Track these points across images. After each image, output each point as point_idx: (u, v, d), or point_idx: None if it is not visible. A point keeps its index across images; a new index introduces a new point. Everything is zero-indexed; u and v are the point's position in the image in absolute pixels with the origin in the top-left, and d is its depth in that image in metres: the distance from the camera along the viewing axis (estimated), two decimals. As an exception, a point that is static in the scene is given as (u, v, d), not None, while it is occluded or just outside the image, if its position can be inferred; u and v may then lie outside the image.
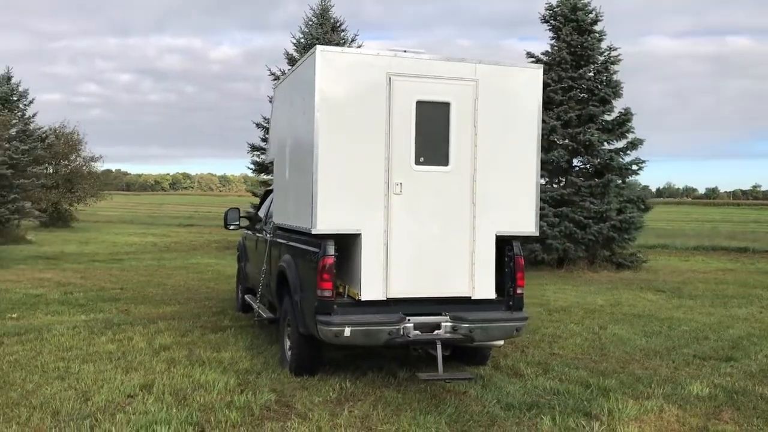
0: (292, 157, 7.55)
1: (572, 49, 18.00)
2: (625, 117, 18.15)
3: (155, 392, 6.53)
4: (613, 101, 18.24)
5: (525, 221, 7.07)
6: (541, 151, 16.47)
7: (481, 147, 6.85)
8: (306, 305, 6.84)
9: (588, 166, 18.46)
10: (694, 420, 6.11)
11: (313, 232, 6.50)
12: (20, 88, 27.03)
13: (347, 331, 6.39)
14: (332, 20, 21.52)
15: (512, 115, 7.00)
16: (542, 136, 16.70)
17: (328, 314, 6.50)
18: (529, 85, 7.04)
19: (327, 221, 6.49)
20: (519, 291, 7.03)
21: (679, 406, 6.46)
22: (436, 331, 6.68)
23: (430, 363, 7.15)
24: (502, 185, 6.96)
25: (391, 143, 6.60)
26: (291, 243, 7.61)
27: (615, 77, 18.32)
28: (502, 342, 7.44)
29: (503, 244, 7.09)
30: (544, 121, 17.19)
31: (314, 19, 21.52)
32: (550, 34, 18.72)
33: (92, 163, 37.04)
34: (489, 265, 6.92)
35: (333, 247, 6.53)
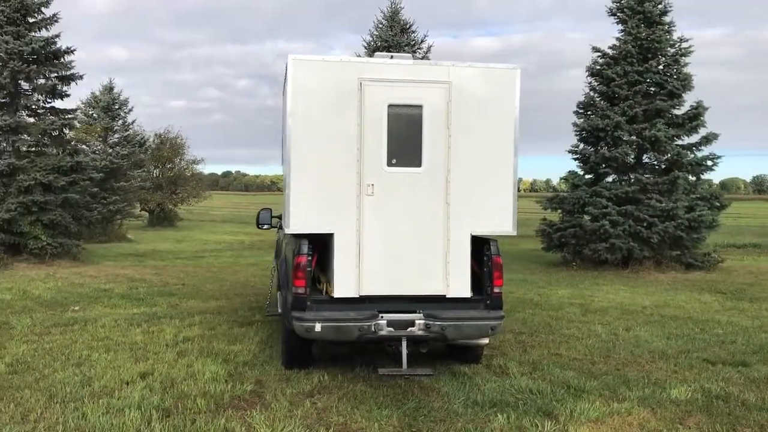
0: (283, 161, 7.94)
1: (639, 42, 17.40)
2: (697, 111, 17.37)
3: (149, 380, 7.09)
4: (683, 95, 17.50)
5: (502, 221, 7.12)
6: (606, 148, 16.29)
7: (456, 148, 6.96)
8: (289, 301, 7.20)
9: (656, 162, 17.78)
10: (657, 424, 6.00)
11: (287, 232, 6.87)
12: (121, 97, 29.05)
13: (318, 327, 6.70)
14: (402, 22, 21.81)
15: (488, 116, 7.06)
16: (607, 132, 16.51)
17: (302, 310, 6.83)
18: (505, 86, 7.08)
19: (300, 222, 6.83)
20: (496, 290, 7.08)
21: (651, 409, 6.34)
22: (409, 329, 6.86)
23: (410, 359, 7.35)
24: (478, 186, 7.04)
25: (363, 146, 6.85)
26: (285, 242, 8.01)
27: (685, 70, 17.56)
28: (486, 341, 7.50)
29: (483, 244, 7.17)
30: (608, 117, 16.85)
31: (384, 21, 21.89)
32: (620, 27, 18.16)
33: (194, 166, 39.11)
34: (464, 265, 7.03)
35: (307, 246, 6.85)
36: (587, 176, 18.23)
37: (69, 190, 18.37)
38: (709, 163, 17.67)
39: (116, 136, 28.94)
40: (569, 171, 18.57)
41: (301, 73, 6.79)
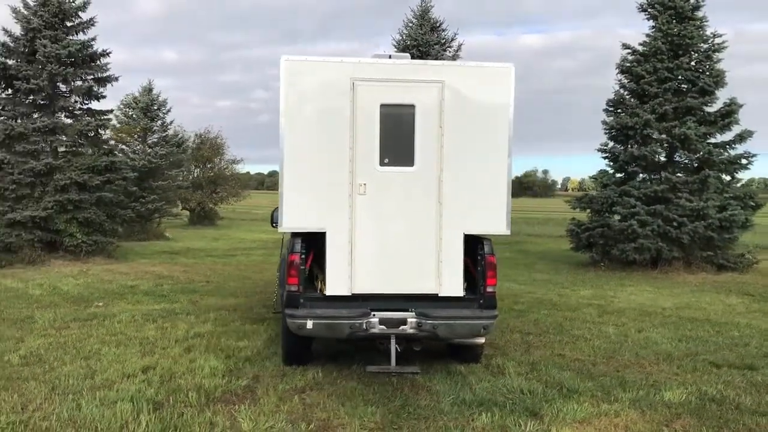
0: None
1: (669, 38, 17.04)
2: (730, 108, 16.95)
3: (149, 374, 7.29)
4: (715, 92, 17.08)
5: (495, 221, 7.10)
6: (635, 146, 16.03)
7: (448, 147, 6.98)
8: (283, 298, 7.31)
9: (686, 161, 17.40)
10: (644, 426, 5.93)
11: (278, 230, 6.99)
12: (160, 98, 29.68)
13: (309, 324, 6.79)
14: (431, 21, 21.79)
15: (481, 115, 7.05)
16: (636, 130, 16.24)
17: (295, 307, 6.94)
18: (498, 84, 7.06)
19: (292, 220, 6.94)
20: (489, 290, 7.07)
21: (641, 411, 6.26)
22: (401, 327, 6.90)
23: (400, 357, 7.40)
24: (471, 185, 7.04)
25: (355, 145, 6.91)
26: (285, 241, 8.13)
27: (718, 66, 17.14)
28: (482, 340, 7.49)
29: (476, 243, 7.17)
30: (637, 115, 16.57)
31: (414, 20, 21.91)
32: (651, 23, 17.82)
33: (233, 165, 39.69)
34: (456, 264, 7.04)
35: (300, 245, 6.95)
36: (618, 175, 17.94)
37: (103, 188, 18.87)
38: (744, 161, 17.21)
39: (155, 136, 29.59)
40: (599, 170, 18.33)
41: (293, 73, 6.89)
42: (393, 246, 6.99)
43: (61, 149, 19.13)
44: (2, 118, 18.43)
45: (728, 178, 17.62)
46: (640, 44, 17.68)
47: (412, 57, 20.94)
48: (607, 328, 9.96)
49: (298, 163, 6.92)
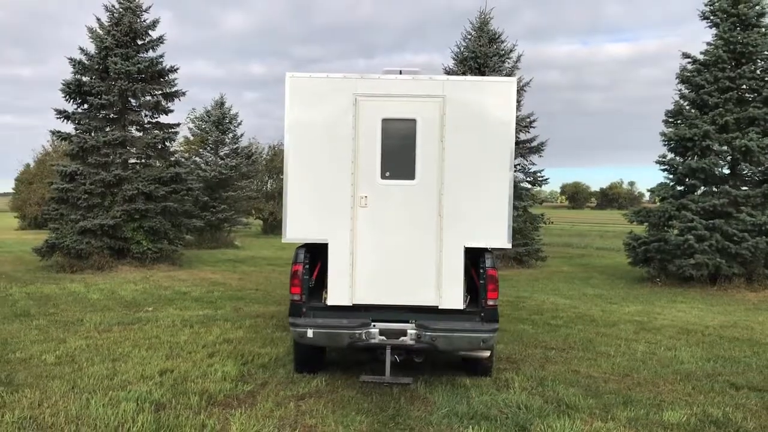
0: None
1: (731, 47, 16.42)
2: (798, 118, 16.14)
3: (165, 376, 7.65)
4: (782, 101, 16.32)
5: (496, 234, 7.10)
6: (694, 158, 15.52)
7: (450, 161, 7.05)
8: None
9: (749, 174, 16.68)
10: (632, 446, 5.80)
11: (282, 241, 7.23)
12: (231, 112, 30.72)
13: (310, 333, 6.99)
14: (490, 33, 21.73)
15: (483, 129, 7.09)
16: (694, 141, 15.73)
17: (298, 316, 7.15)
18: (500, 98, 7.08)
19: (295, 231, 7.17)
20: (491, 303, 7.07)
21: (635, 430, 6.12)
22: (401, 338, 7.00)
23: (403, 367, 7.50)
24: (472, 198, 7.08)
25: (357, 159, 7.08)
26: None
27: (786, 74, 16.39)
28: (487, 353, 7.48)
29: (477, 256, 7.20)
30: (696, 126, 16.06)
31: (472, 32, 21.91)
32: (713, 31, 17.22)
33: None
34: (457, 276, 7.08)
35: (303, 255, 7.17)
36: (678, 188, 17.38)
37: (169, 199, 19.71)
38: (814, 174, 16.35)
39: (226, 148, 30.63)
40: (658, 183, 17.81)
41: (298, 90, 7.13)
42: (394, 258, 7.11)
43: (132, 161, 20.13)
44: (77, 131, 19.55)
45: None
46: (702, 53, 17.10)
47: (471, 69, 21.02)
48: (637, 346, 9.71)
49: (302, 176, 7.14)
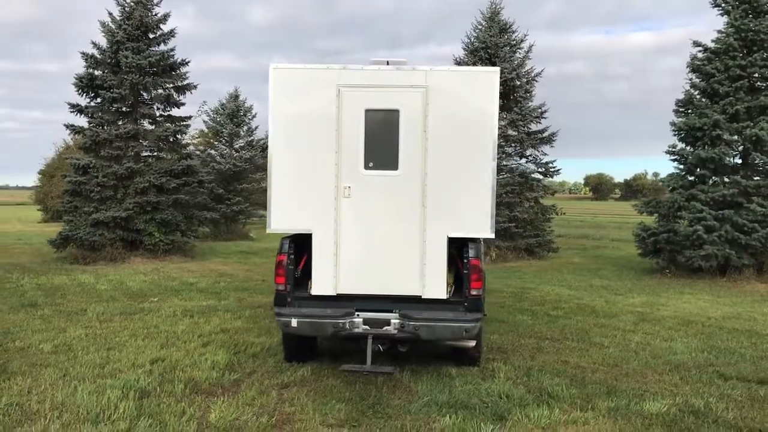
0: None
1: (742, 34, 16.16)
2: (811, 106, 15.86)
3: (156, 365, 7.77)
4: (795, 89, 16.05)
5: (479, 224, 7.10)
6: (704, 148, 15.34)
7: (433, 151, 7.05)
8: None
9: (760, 164, 16.43)
10: (608, 435, 5.79)
11: (267, 231, 7.29)
12: (246, 104, 30.89)
13: (294, 322, 7.06)
14: (501, 23, 21.58)
15: (465, 120, 7.08)
16: (704, 131, 15.53)
17: (283, 306, 7.23)
18: (483, 89, 7.06)
19: (279, 221, 7.23)
20: (474, 293, 7.08)
21: (613, 420, 6.12)
22: (385, 328, 7.05)
23: (389, 357, 7.55)
24: (455, 188, 7.08)
25: (340, 150, 7.12)
26: None
27: (799, 62, 16.09)
28: (472, 343, 7.49)
29: (461, 246, 7.21)
30: (706, 115, 15.87)
31: (483, 23, 21.78)
32: (725, 19, 16.95)
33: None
34: (440, 266, 7.09)
35: (288, 245, 7.23)
36: (689, 178, 17.17)
37: (180, 191, 19.91)
38: (827, 164, 16.08)
39: (241, 141, 30.80)
40: (668, 173, 17.63)
41: (282, 81, 7.18)
42: (377, 248, 7.14)
43: (144, 154, 20.35)
44: (91, 125, 19.79)
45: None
46: (713, 41, 16.85)
47: (481, 59, 20.92)
48: (633, 336, 9.66)
49: (286, 167, 7.19)
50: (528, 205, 21.21)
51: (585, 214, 63.83)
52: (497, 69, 7.16)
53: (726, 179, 16.47)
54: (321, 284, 7.18)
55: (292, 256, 7.30)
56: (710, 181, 16.71)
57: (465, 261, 7.14)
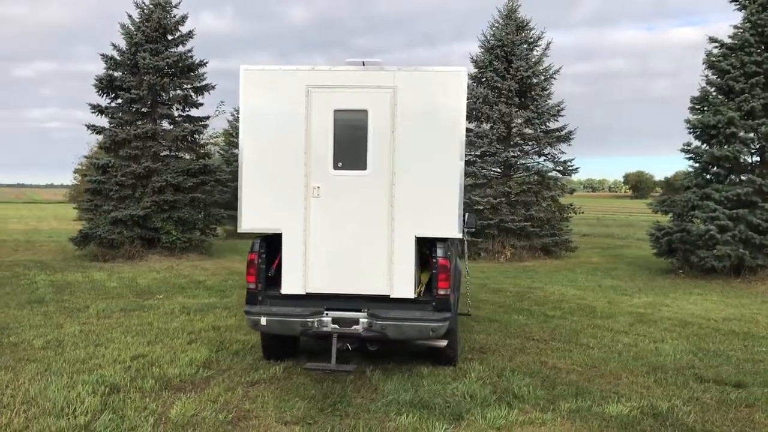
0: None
1: (759, 29, 15.77)
2: (831, 103, 15.40)
3: (136, 361, 7.92)
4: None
5: (447, 224, 7.09)
6: (718, 146, 15.04)
7: (401, 152, 7.07)
8: None
9: (776, 161, 16.02)
10: (562, 437, 5.75)
11: (238, 231, 7.40)
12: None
13: (263, 321, 7.15)
14: (517, 20, 21.41)
15: (433, 120, 7.07)
16: (719, 129, 15.23)
17: (254, 304, 7.32)
18: (450, 88, 7.05)
19: (250, 221, 7.32)
20: (441, 292, 7.07)
21: (571, 422, 6.07)
22: (354, 327, 7.09)
23: (366, 357, 7.59)
24: (423, 188, 7.08)
25: (309, 150, 7.18)
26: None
27: (819, 57, 15.63)
28: (444, 343, 7.48)
29: (430, 246, 7.21)
30: (720, 113, 15.57)
31: (500, 20, 21.63)
32: (741, 14, 16.56)
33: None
34: (408, 266, 7.11)
35: (259, 244, 7.32)
36: (705, 176, 16.82)
37: (197, 190, 20.20)
38: None
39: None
40: (683, 172, 17.30)
41: (252, 82, 7.26)
42: (346, 247, 7.18)
43: (163, 153, 20.70)
44: (111, 125, 20.21)
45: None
46: (729, 37, 16.47)
47: (497, 57, 20.78)
48: (622, 338, 9.54)
49: (256, 167, 7.28)
50: (545, 204, 21.01)
51: (621, 212, 62.94)
52: (464, 68, 7.13)
53: (743, 177, 16.10)
54: (291, 283, 7.25)
55: (264, 256, 7.39)
56: (726, 180, 16.35)
57: (434, 261, 7.13)
